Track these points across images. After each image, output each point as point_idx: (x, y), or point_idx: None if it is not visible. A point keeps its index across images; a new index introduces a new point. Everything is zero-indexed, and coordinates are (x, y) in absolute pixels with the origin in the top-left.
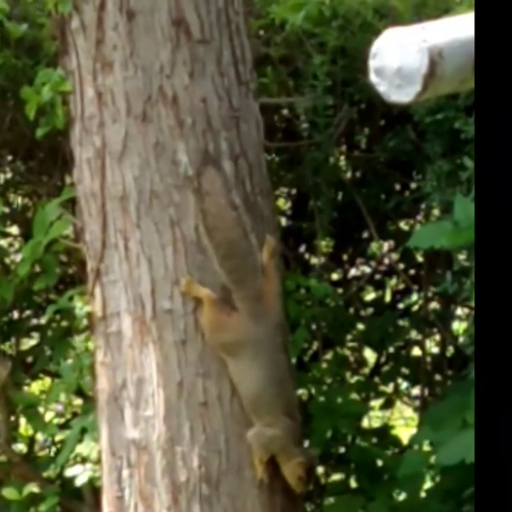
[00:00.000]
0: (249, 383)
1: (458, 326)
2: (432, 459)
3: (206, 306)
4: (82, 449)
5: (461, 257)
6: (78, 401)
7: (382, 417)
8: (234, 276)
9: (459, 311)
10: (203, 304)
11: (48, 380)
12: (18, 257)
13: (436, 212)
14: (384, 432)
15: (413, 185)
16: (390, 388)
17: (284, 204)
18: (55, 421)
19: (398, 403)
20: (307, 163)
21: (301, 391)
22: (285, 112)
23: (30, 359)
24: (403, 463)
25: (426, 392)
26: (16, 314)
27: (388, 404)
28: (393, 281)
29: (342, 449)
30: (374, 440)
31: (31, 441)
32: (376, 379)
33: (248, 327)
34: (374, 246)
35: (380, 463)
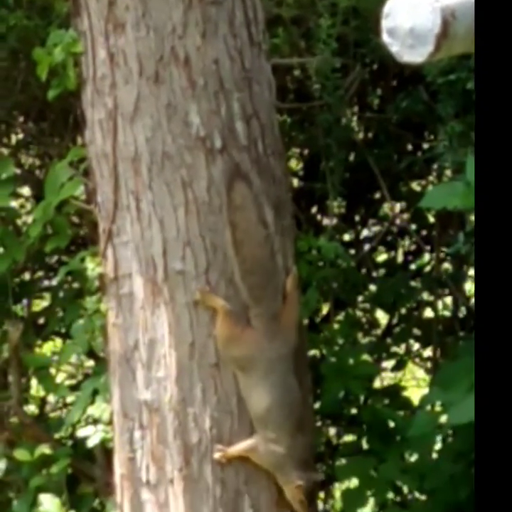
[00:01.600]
0: (257, 401)
1: (470, 287)
2: (443, 420)
3: (220, 316)
4: (93, 410)
5: (474, 217)
6: (90, 362)
7: (393, 378)
8: (254, 292)
9: (471, 272)
10: (218, 315)
11: (59, 342)
12: (30, 219)
13: (448, 172)
14: (395, 393)
15: (425, 146)
16: (401, 349)
17: (296, 165)
18: (67, 382)
19: (410, 364)
20: (319, 124)
21: (312, 352)
22: (297, 72)
23: (41, 320)
24: (414, 423)
25: (438, 353)
26: (27, 276)
27: (400, 366)
28: (405, 242)
29: (353, 410)
30: (385, 401)
31: (43, 403)
32: (388, 340)
33: (261, 344)
34: (386, 207)
35: (391, 424)
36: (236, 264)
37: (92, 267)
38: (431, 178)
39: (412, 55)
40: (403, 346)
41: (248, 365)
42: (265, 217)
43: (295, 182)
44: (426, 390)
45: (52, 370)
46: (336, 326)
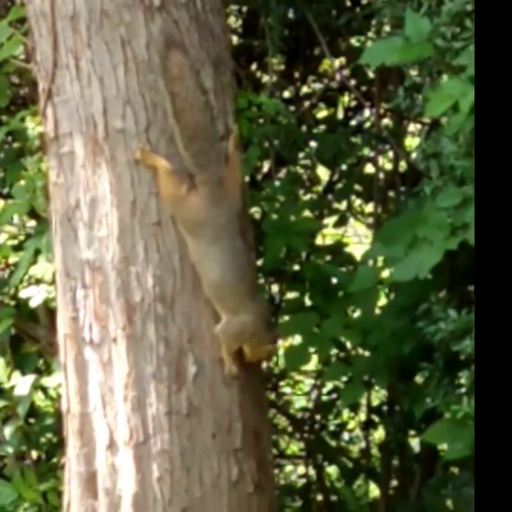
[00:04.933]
0: (209, 266)
1: (410, 142)
2: (385, 274)
3: (162, 176)
4: (36, 270)
5: (413, 72)
6: (32, 222)
7: (335, 234)
8: (197, 159)
9: (412, 127)
10: (160, 175)
11: (0, 202)
12: None
13: (387, 28)
14: (338, 249)
15: (364, 1)
16: (343, 205)
17: (234, 22)
18: (9, 243)
19: (352, 220)
20: None
21: (254, 209)
22: None
23: None
24: (356, 279)
25: (379, 208)
26: None
27: (342, 222)
28: (345, 98)
29: (296, 267)
30: (328, 257)
31: None
32: (329, 196)
33: (208, 210)
34: (326, 63)
35: (334, 280)
36: (178, 133)
37: (32, 127)
38: (370, 33)
39: None
40: (345, 202)
41: (197, 230)
42: (203, 84)
43: (234, 39)
44: (368, 246)
45: None
46: (277, 183)
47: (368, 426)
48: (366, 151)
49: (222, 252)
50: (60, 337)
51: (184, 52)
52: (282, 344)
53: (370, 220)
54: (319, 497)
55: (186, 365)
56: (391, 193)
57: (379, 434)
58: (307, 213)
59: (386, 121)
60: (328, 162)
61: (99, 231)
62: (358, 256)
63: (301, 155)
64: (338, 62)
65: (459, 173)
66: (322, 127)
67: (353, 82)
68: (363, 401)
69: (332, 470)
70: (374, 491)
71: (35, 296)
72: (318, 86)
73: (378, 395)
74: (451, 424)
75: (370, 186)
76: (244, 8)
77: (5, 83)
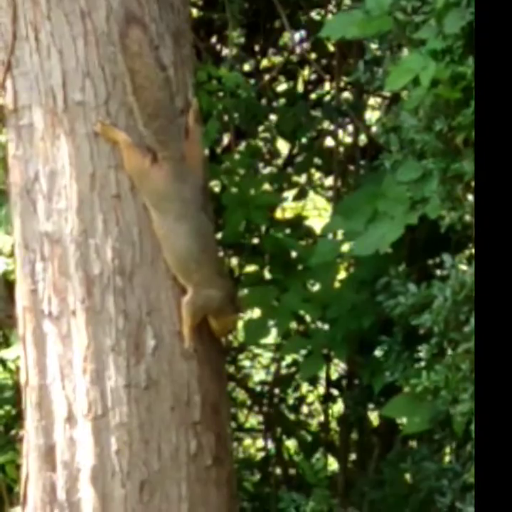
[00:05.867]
0: (175, 240)
1: (370, 116)
2: (345, 248)
3: (124, 150)
4: None
5: (374, 46)
6: None
7: (295, 208)
8: (159, 136)
9: (372, 101)
10: (122, 149)
11: None
12: None
13: (347, 1)
14: (297, 223)
15: None
16: (303, 179)
17: None
18: None
19: (311, 194)
20: None
21: (213, 183)
22: None
23: None
24: (315, 252)
25: (339, 182)
26: None
27: (301, 195)
28: (305, 71)
29: (255, 240)
30: (287, 231)
31: None
32: (289, 170)
33: (174, 184)
34: (286, 36)
35: (293, 253)
36: (138, 111)
37: None
38: (330, 6)
39: None
40: (304, 176)
41: (163, 205)
42: (162, 60)
43: (194, 12)
44: (328, 220)
45: None
46: (236, 156)
47: (326, 399)
48: (326, 125)
49: (187, 226)
50: (18, 309)
51: (143, 27)
52: (242, 317)
53: (330, 193)
54: (278, 470)
55: (145, 338)
56: (351, 167)
57: (338, 407)
58: (267, 187)
59: (346, 94)
60: (288, 135)
61: (58, 203)
62: (317, 230)
63: (260, 128)
64: (298, 36)
65: (419, 147)
66: (282, 101)
67: (313, 56)
68: (322, 374)
69: (291, 443)
70: (333, 464)
71: None
72: (278, 59)
73: (337, 369)
74: (410, 398)
75: (329, 160)
76: None
77: None
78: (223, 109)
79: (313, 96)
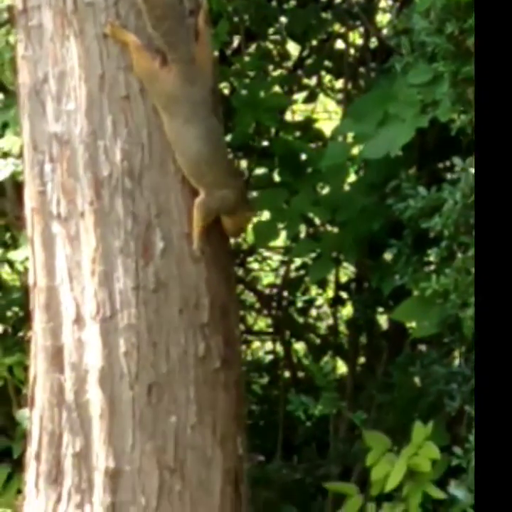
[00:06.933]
0: (184, 142)
1: (381, 18)
2: (355, 151)
3: (134, 52)
4: (3, 143)
5: None
6: None
7: (305, 110)
8: (168, 38)
9: (383, 3)
10: (131, 51)
11: None
12: None
13: None
14: (307, 125)
15: None
16: (313, 81)
17: None
18: None
19: (321, 96)
20: None
21: (223, 84)
22: None
23: None
24: (325, 154)
25: (349, 85)
26: None
27: (311, 98)
28: None
29: (265, 143)
30: (297, 134)
31: None
32: (299, 72)
33: (183, 87)
34: None
35: (303, 156)
36: (146, 13)
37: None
38: None
39: None
40: (315, 78)
41: (173, 107)
42: None
43: None
44: (337, 123)
45: None
46: (247, 58)
47: (335, 302)
48: (337, 27)
49: (198, 128)
50: (27, 211)
51: None
52: (255, 215)
53: (340, 96)
54: (286, 373)
55: (154, 239)
56: (361, 69)
57: (347, 310)
58: (277, 89)
59: None
60: (298, 37)
61: (67, 105)
62: (327, 132)
63: (271, 30)
64: None
65: (430, 50)
66: (292, 2)
67: None
68: (331, 277)
69: (299, 346)
70: (341, 367)
71: (2, 169)
72: None
73: (346, 272)
74: (420, 302)
75: (340, 62)
76: None
77: None
78: (233, 10)
79: None
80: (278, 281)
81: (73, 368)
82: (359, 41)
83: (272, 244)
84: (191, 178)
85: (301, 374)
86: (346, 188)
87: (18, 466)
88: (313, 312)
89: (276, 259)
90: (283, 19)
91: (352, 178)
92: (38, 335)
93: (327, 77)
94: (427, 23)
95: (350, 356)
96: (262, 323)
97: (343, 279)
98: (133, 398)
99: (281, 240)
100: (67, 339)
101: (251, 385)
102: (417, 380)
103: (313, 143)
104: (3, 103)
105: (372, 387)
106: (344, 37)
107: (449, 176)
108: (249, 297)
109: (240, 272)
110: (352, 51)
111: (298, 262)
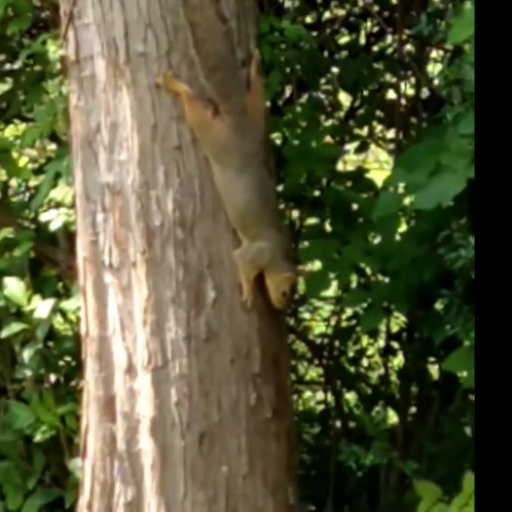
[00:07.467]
0: (235, 193)
1: (432, 68)
2: (406, 202)
3: (186, 102)
4: (56, 193)
5: None
6: (52, 146)
7: (356, 160)
8: (220, 89)
9: (434, 54)
10: (183, 101)
11: (22, 125)
12: None
13: None
14: (359, 175)
15: None
16: (364, 131)
17: None
18: (30, 166)
19: (373, 146)
20: None
21: (275, 135)
22: None
23: (4, 104)
24: (377, 205)
25: (401, 135)
26: None
27: (363, 148)
28: (367, 23)
29: (317, 193)
30: (349, 184)
31: (5, 187)
32: (351, 122)
33: (235, 138)
34: None
35: (354, 206)
36: (199, 63)
37: (53, 50)
38: None
39: None
40: (366, 128)
41: (224, 158)
42: (223, 13)
43: None
44: (389, 173)
45: (15, 154)
46: (298, 108)
47: (387, 352)
48: (388, 77)
49: (248, 180)
50: (79, 260)
51: None
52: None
53: (391, 146)
54: (338, 423)
55: (205, 289)
56: (413, 119)
57: (398, 360)
58: (328, 139)
59: (408, 47)
60: (349, 88)
61: (120, 155)
62: (378, 182)
63: (322, 80)
64: None
65: None
66: (344, 53)
67: (375, 8)
68: (383, 327)
69: (351, 396)
70: (392, 417)
71: (54, 219)
72: (340, 11)
73: (398, 322)
74: (471, 352)
75: (391, 112)
76: None
77: (26, 6)
78: (285, 61)
79: (375, 48)
80: (329, 331)
81: (125, 417)
82: (410, 91)
83: (324, 294)
84: (237, 228)
85: (352, 424)
86: (397, 238)
87: None
88: (365, 362)
89: (327, 309)
90: (334, 69)
91: (403, 227)
92: (90, 384)
93: (378, 127)
94: None
95: (401, 406)
96: (314, 373)
97: (395, 328)
98: (184, 448)
99: (332, 290)
100: (119, 389)
101: (302, 435)
102: (468, 430)
103: (365, 193)
104: (56, 153)
105: (423, 437)
106: (395, 87)
107: None
108: (301, 347)
109: (292, 321)
110: (403, 101)
111: (349, 311)
